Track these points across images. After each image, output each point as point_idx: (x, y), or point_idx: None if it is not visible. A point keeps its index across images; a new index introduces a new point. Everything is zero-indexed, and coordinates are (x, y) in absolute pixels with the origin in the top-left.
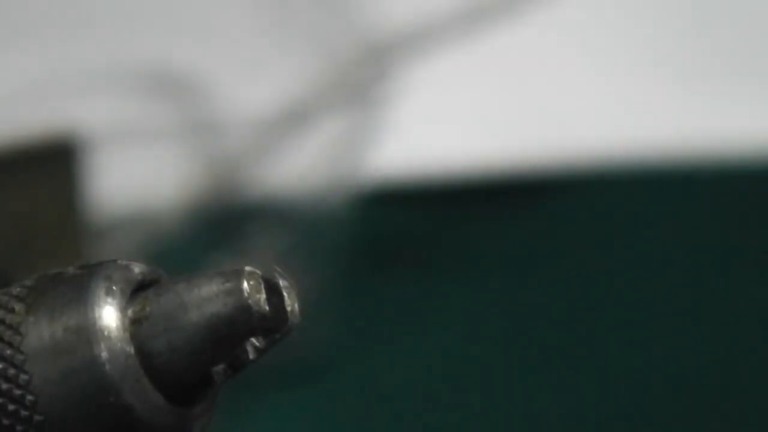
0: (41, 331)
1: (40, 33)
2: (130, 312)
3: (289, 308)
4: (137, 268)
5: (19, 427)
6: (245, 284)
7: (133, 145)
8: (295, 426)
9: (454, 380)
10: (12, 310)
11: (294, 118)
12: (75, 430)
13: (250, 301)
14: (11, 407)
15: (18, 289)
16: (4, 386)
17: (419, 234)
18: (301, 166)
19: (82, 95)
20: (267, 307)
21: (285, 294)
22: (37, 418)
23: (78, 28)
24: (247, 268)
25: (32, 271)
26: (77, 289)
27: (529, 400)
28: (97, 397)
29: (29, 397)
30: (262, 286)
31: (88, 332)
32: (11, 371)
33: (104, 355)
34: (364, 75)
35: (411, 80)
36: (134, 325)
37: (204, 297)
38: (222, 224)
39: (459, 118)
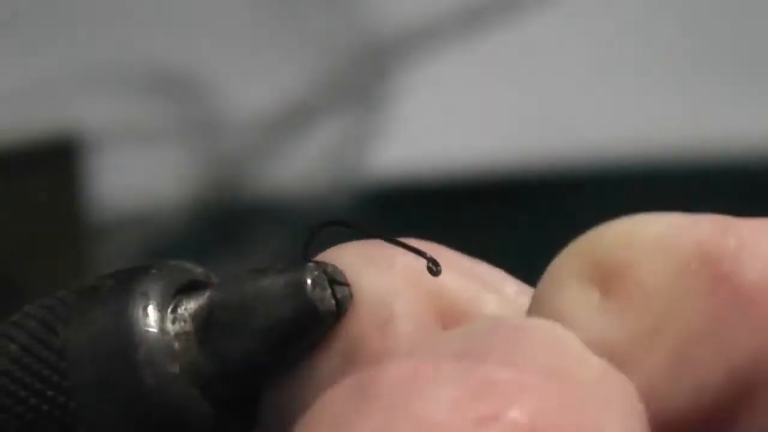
0: (84, 356)
1: (41, 34)
2: (199, 314)
3: (346, 300)
4: (179, 273)
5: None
6: (310, 282)
7: (135, 145)
8: None
9: None
10: (55, 332)
11: (295, 119)
12: None
13: (315, 300)
14: (56, 414)
15: (57, 306)
16: (56, 413)
17: (419, 233)
18: (303, 166)
19: (83, 95)
20: (333, 303)
21: (343, 287)
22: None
23: (80, 29)
24: (310, 265)
25: (34, 270)
26: (115, 312)
27: None
28: (142, 415)
29: (79, 425)
30: (327, 282)
31: (130, 356)
32: (60, 399)
33: (147, 377)
34: (366, 76)
35: (412, 81)
36: (203, 329)
37: (270, 297)
38: (223, 224)
39: (460, 119)
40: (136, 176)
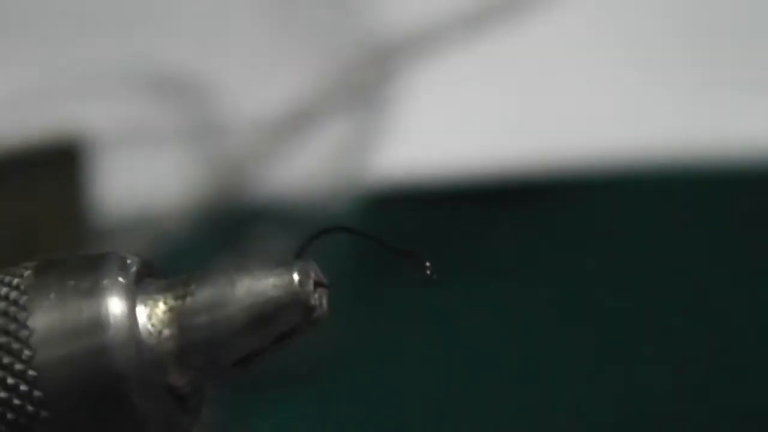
0: (48, 309)
1: (44, 36)
2: (175, 288)
3: (325, 304)
4: (138, 258)
5: (17, 402)
6: (296, 274)
7: (138, 147)
8: (297, 427)
9: (456, 381)
10: (17, 287)
11: (298, 121)
12: (74, 409)
13: (299, 290)
14: (11, 381)
15: (24, 267)
16: (6, 360)
17: (422, 236)
18: (306, 168)
19: (86, 98)
20: (312, 300)
21: (323, 290)
22: (36, 393)
23: (83, 30)
24: (300, 261)
25: None
26: (88, 267)
27: (530, 400)
28: (100, 376)
29: (30, 372)
30: (311, 279)
31: (98, 313)
32: (15, 345)
33: (110, 333)
34: (368, 77)
35: (414, 83)
36: (177, 300)
37: (255, 280)
38: (227, 226)
39: (462, 121)
40: (138, 179)
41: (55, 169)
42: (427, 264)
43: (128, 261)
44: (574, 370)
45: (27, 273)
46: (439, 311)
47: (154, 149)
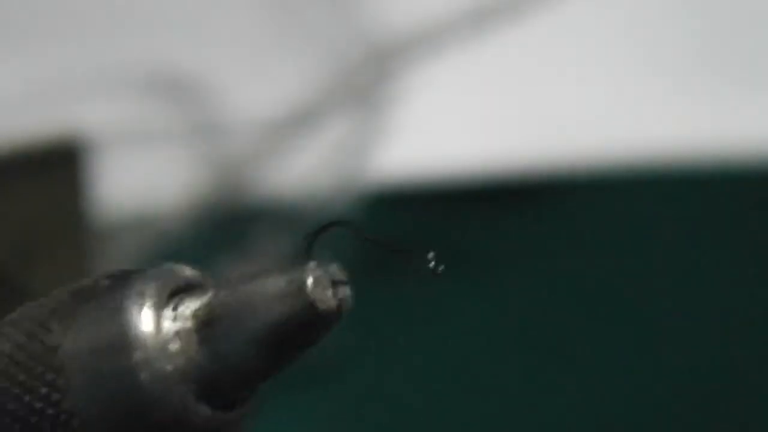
0: (80, 354)
1: (43, 37)
2: (200, 313)
3: (347, 300)
4: (177, 273)
5: None
6: (310, 281)
7: (138, 147)
8: (298, 427)
9: (457, 380)
10: (49, 330)
11: (298, 121)
12: None
13: (316, 299)
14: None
15: (53, 304)
16: (50, 411)
17: (422, 236)
18: (306, 168)
19: (86, 98)
20: (334, 303)
21: (344, 286)
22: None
23: (82, 31)
24: (312, 264)
25: (37, 272)
26: (110, 308)
27: (531, 399)
28: (138, 416)
29: (73, 422)
30: (328, 281)
31: (126, 354)
32: (54, 396)
33: (143, 375)
34: (369, 78)
35: (415, 83)
36: (204, 328)
37: (271, 296)
38: (227, 226)
39: (462, 121)
40: (138, 178)
41: (55, 169)
42: (430, 256)
43: (155, 280)
44: (573, 369)
45: (58, 310)
46: (438, 311)
47: (154, 149)
